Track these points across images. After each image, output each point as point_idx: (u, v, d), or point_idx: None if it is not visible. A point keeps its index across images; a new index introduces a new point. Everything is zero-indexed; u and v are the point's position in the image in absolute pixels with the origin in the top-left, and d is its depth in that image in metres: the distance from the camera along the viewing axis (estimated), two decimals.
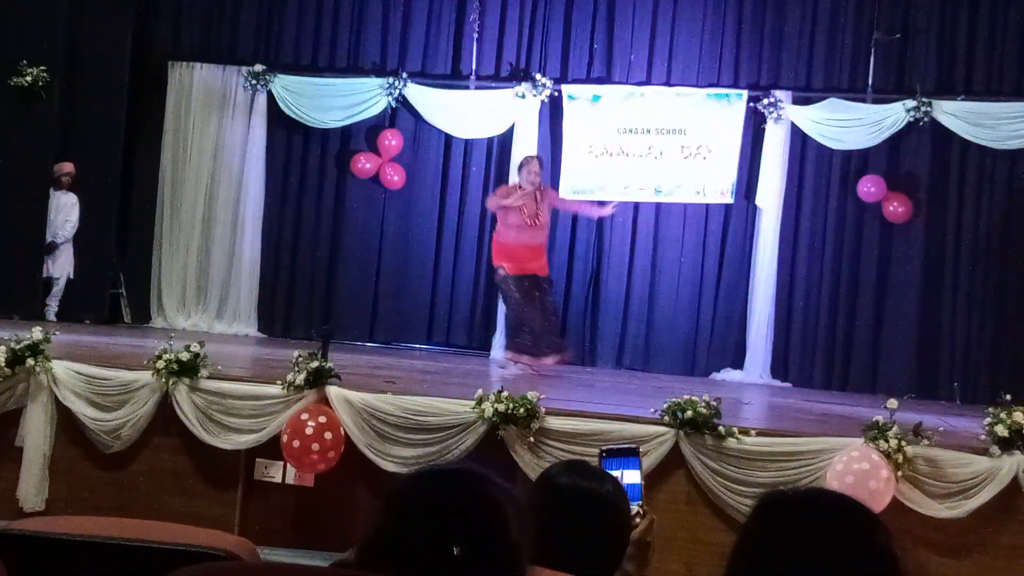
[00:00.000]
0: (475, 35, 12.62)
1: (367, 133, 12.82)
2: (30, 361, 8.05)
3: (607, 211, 11.33)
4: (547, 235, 10.82)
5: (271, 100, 12.88)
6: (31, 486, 8.03)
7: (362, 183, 12.81)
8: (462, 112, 12.54)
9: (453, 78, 12.74)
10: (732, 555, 2.00)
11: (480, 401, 7.61)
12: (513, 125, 12.44)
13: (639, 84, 12.37)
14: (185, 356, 7.97)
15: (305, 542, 7.84)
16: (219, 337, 11.81)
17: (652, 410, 7.64)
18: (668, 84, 12.33)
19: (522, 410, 7.49)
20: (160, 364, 7.95)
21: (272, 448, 7.82)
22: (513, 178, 11.25)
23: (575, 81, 12.49)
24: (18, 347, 8.09)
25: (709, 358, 12.23)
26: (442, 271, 12.73)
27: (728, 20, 12.32)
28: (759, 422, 8.64)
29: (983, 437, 7.26)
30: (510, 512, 1.99)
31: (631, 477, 3.25)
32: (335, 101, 12.72)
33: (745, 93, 12.10)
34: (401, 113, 12.77)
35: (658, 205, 12.39)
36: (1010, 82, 11.76)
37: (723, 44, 12.33)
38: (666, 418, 7.49)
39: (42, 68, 11.75)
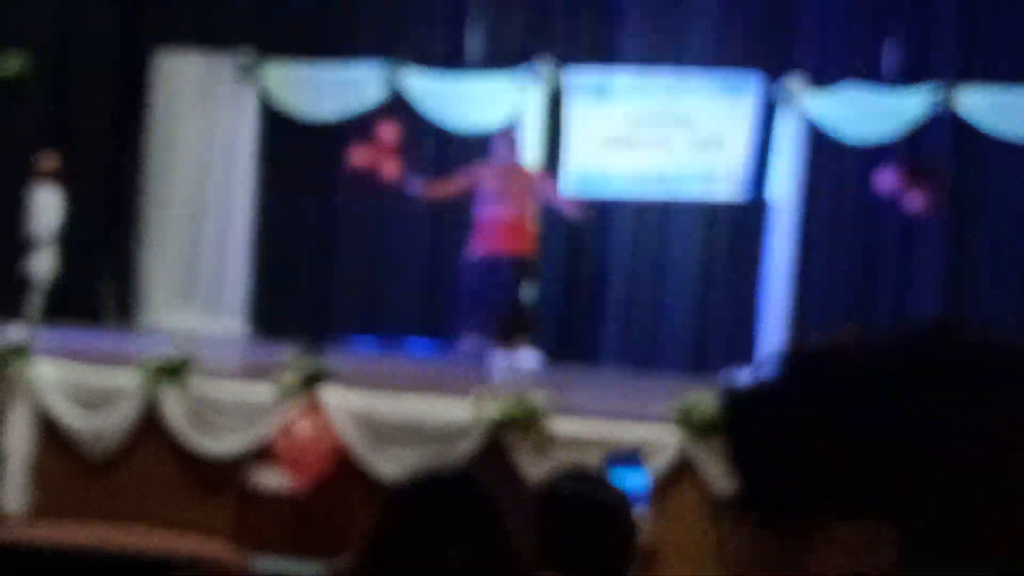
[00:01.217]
0: (476, 23, 12.48)
1: (363, 124, 12.65)
2: (13, 362, 7.97)
3: (576, 213, 10.83)
4: (524, 214, 10.43)
5: (263, 89, 12.72)
6: (14, 492, 8.00)
7: (357, 175, 12.67)
8: (462, 101, 12.39)
9: (453, 67, 12.58)
10: None
11: (480, 403, 7.52)
12: (515, 115, 12.30)
13: (645, 72, 12.21)
14: (173, 356, 7.88)
15: (299, 549, 7.78)
16: (208, 336, 11.65)
17: (659, 411, 7.57)
18: (676, 73, 12.17)
19: (523, 411, 7.45)
20: (147, 365, 7.89)
21: (265, 452, 7.74)
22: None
23: (579, 70, 12.31)
24: None
25: (719, 357, 12.05)
26: (439, 267, 12.60)
27: (737, 6, 12.14)
28: None
29: None
30: (508, 517, 2.00)
31: (636, 482, 3.27)
32: (329, 90, 12.57)
33: (756, 82, 11.92)
34: (398, 103, 12.61)
35: (665, 198, 12.24)
36: None
37: (733, 31, 12.16)
38: (674, 419, 7.42)
39: (26, 57, 11.61)
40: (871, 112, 11.64)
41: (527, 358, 10.29)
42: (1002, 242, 11.57)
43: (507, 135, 10.71)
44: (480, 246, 10.39)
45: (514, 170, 10.49)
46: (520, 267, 10.41)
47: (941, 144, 11.63)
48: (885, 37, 11.78)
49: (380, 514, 2.03)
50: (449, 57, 12.56)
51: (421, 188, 10.75)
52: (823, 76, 11.84)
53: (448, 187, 10.78)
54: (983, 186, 11.64)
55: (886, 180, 11.55)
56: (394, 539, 1.96)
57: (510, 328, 10.34)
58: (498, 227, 10.26)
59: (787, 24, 12.04)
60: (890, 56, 11.74)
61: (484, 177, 10.42)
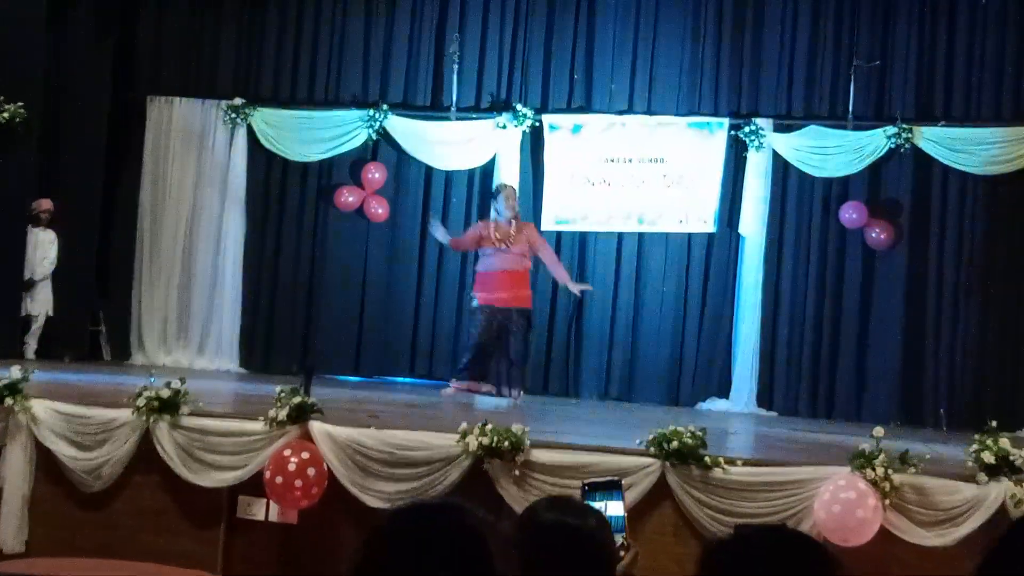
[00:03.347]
0: (455, 66, 12.62)
1: (351, 166, 12.79)
2: (9, 400, 7.99)
3: (575, 287, 11.17)
4: (523, 264, 10.61)
5: (251, 134, 12.84)
6: (10, 528, 7.95)
7: (344, 216, 12.76)
8: (443, 143, 12.52)
9: (434, 110, 12.73)
10: None
11: (464, 434, 7.56)
12: (495, 156, 12.44)
13: (620, 113, 12.39)
14: (166, 393, 7.92)
15: None
16: (200, 373, 11.73)
17: (637, 441, 7.60)
18: (649, 113, 12.36)
19: (507, 443, 7.46)
20: (141, 401, 7.89)
21: (255, 485, 7.75)
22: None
23: (556, 111, 12.50)
24: None
25: (694, 388, 12.20)
26: (425, 304, 12.69)
27: (708, 49, 12.36)
28: (745, 452, 8.60)
29: (970, 464, 7.22)
30: (493, 547, 1.97)
31: (614, 509, 3.24)
32: (315, 134, 12.70)
33: (726, 121, 12.13)
34: (383, 145, 12.75)
35: (641, 234, 12.40)
36: (988, 108, 11.81)
37: (703, 73, 12.36)
38: (652, 449, 7.45)
39: (20, 104, 11.66)
40: (835, 149, 11.86)
41: (512, 397, 10.43)
42: (959, 273, 11.77)
43: (509, 190, 10.84)
44: (480, 295, 10.58)
45: (516, 226, 10.60)
46: (518, 317, 10.53)
47: (901, 178, 11.86)
48: (847, 82, 11.99)
49: (366, 544, 1.99)
50: (431, 103, 12.71)
51: (443, 234, 10.98)
52: (788, 119, 12.09)
53: (465, 243, 11.02)
54: (941, 217, 11.84)
55: (851, 213, 11.78)
56: (380, 569, 1.93)
57: (504, 372, 10.50)
58: (498, 278, 10.47)
59: (753, 73, 12.23)
60: (851, 98, 11.96)
61: (489, 231, 10.56)
